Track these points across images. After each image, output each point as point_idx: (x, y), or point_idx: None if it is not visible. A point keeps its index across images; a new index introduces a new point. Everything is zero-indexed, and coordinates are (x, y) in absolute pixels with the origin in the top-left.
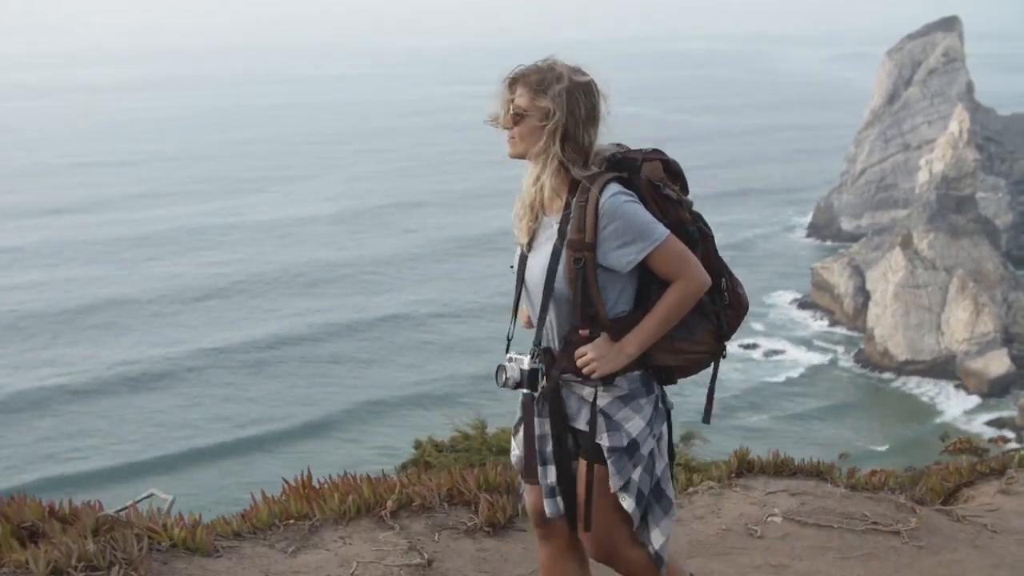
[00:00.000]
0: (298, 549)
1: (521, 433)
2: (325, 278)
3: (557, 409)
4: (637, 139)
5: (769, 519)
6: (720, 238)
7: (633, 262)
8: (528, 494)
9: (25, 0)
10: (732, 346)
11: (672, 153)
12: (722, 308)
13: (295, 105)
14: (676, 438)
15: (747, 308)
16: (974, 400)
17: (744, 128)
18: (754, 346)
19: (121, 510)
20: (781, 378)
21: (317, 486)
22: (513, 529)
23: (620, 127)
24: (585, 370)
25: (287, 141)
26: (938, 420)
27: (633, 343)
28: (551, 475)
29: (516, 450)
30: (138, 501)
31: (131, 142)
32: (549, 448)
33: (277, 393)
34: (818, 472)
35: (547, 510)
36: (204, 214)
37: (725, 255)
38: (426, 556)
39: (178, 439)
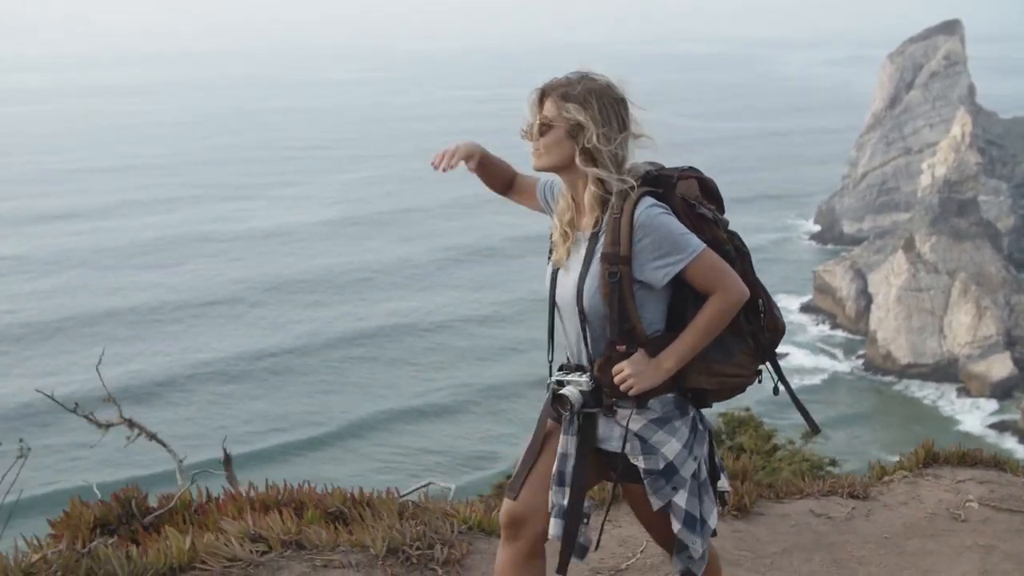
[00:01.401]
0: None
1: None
2: (326, 285)
3: (590, 430)
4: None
5: (967, 504)
6: None
7: (669, 275)
8: (507, 498)
9: (26, 1)
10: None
11: (672, 158)
12: (759, 329)
13: (295, 109)
14: (797, 441)
15: (784, 331)
16: (992, 406)
17: (744, 132)
18: None
19: (406, 494)
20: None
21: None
22: (755, 513)
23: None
24: (623, 387)
25: (287, 146)
26: (958, 428)
27: (671, 357)
28: (564, 497)
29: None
30: (422, 487)
31: (129, 147)
32: (570, 469)
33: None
34: (997, 463)
35: (552, 530)
36: (202, 220)
37: None
38: None
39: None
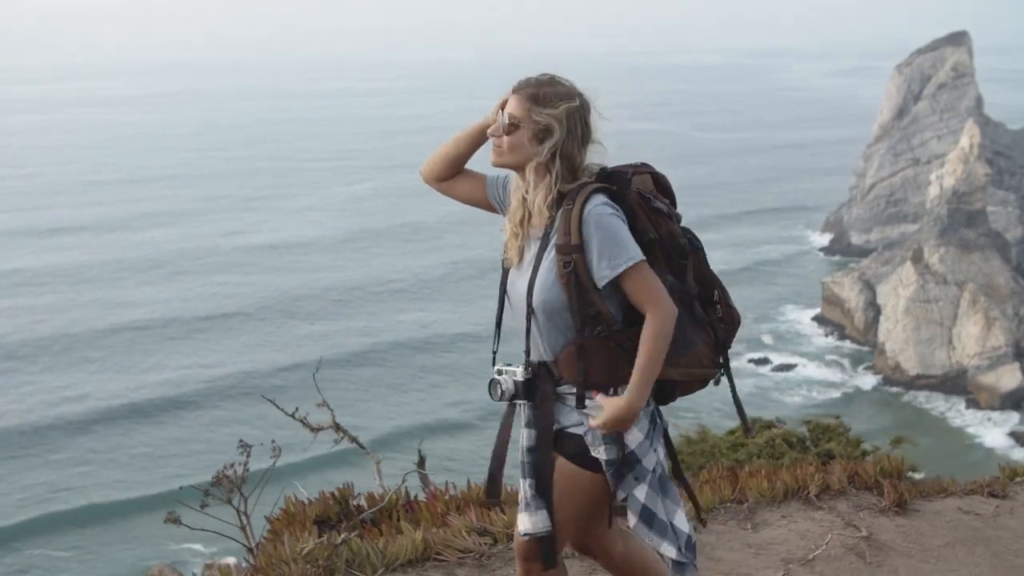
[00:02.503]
0: (756, 526)
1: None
2: (337, 299)
3: (547, 421)
4: (643, 156)
5: None
6: (729, 255)
7: (606, 278)
8: (521, 520)
9: (44, 11)
10: (741, 361)
11: (679, 170)
12: (716, 320)
13: (303, 120)
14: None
15: (739, 323)
16: (1011, 417)
17: (750, 143)
18: (765, 361)
19: None
20: (796, 397)
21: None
22: (911, 509)
23: (627, 143)
24: (603, 432)
25: (295, 158)
26: (977, 440)
27: (636, 394)
28: (529, 488)
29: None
30: None
31: (136, 159)
32: (532, 460)
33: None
34: None
35: (522, 526)
36: (212, 235)
37: (735, 272)
38: (864, 530)
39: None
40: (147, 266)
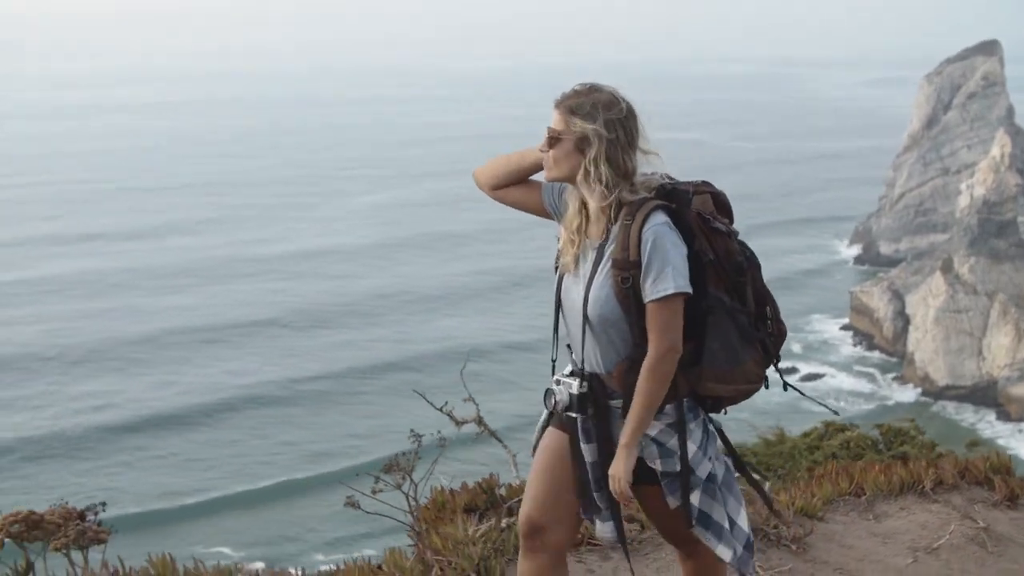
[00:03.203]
0: (877, 517)
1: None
2: (366, 309)
3: (607, 435)
4: (674, 166)
5: None
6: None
7: (647, 298)
8: (525, 505)
9: (80, 19)
10: (770, 370)
11: (707, 178)
12: (766, 336)
13: (335, 128)
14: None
15: (786, 336)
16: None
17: (779, 152)
18: (794, 370)
19: None
20: (822, 407)
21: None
22: (1022, 504)
23: (659, 153)
24: (618, 487)
25: (325, 166)
26: (1015, 453)
27: (633, 436)
28: (606, 499)
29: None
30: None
31: (171, 166)
32: (597, 475)
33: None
34: None
35: (601, 532)
36: (243, 242)
37: (766, 280)
38: (981, 522)
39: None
40: (178, 273)
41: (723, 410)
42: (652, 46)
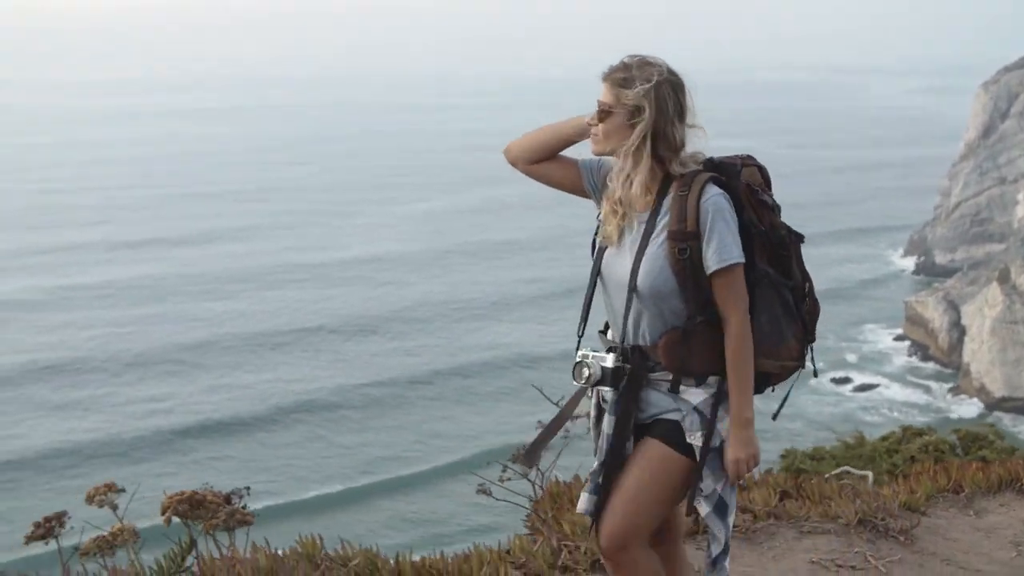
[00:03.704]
0: (978, 512)
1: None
2: (414, 316)
3: (627, 412)
4: None
5: None
6: (811, 273)
7: (710, 268)
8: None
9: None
10: (823, 380)
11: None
12: (805, 312)
13: (383, 135)
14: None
15: (819, 312)
16: None
17: (834, 162)
18: (847, 380)
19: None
20: (877, 416)
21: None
22: None
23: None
24: (745, 469)
25: (376, 173)
26: None
27: (746, 407)
28: (600, 475)
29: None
30: (837, 472)
31: (222, 173)
32: (606, 447)
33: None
34: None
35: (581, 505)
36: (292, 249)
37: (819, 291)
38: None
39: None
40: (228, 280)
41: (771, 388)
42: (701, 53)
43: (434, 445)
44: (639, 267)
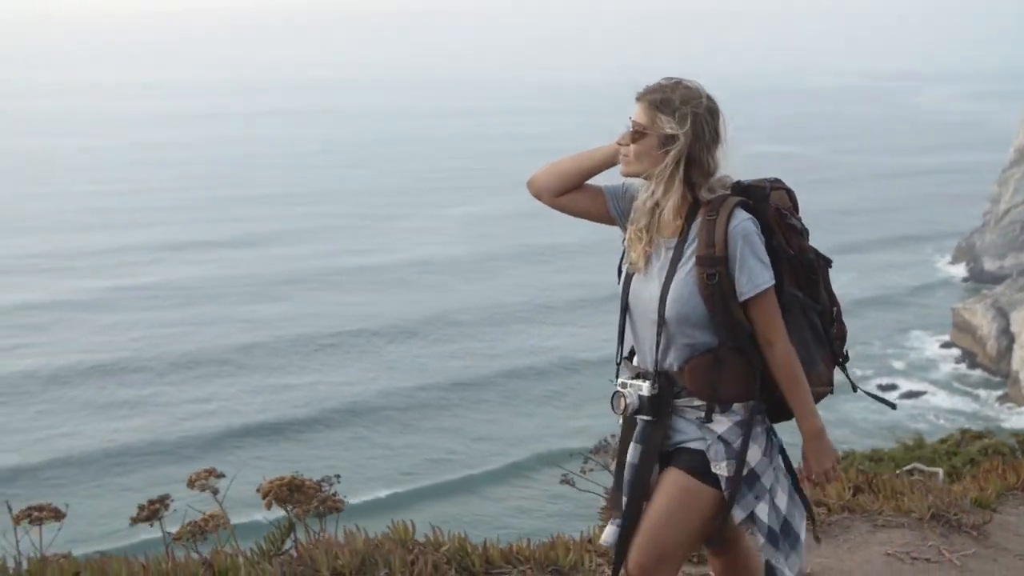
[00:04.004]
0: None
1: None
2: (458, 321)
3: (654, 442)
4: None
5: None
6: (858, 279)
7: (744, 295)
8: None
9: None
10: (869, 386)
11: (811, 195)
12: (834, 337)
13: (430, 139)
14: None
15: (846, 336)
16: None
17: (881, 168)
18: (893, 387)
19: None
20: (923, 424)
21: None
22: None
23: (760, 166)
24: (825, 478)
25: (422, 177)
26: None
27: (815, 420)
28: (622, 504)
29: (608, 536)
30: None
31: (271, 175)
32: (631, 477)
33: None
34: None
35: (606, 538)
36: (340, 253)
37: (864, 297)
38: None
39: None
40: (276, 283)
41: (791, 416)
42: (751, 58)
43: (479, 449)
44: (667, 294)
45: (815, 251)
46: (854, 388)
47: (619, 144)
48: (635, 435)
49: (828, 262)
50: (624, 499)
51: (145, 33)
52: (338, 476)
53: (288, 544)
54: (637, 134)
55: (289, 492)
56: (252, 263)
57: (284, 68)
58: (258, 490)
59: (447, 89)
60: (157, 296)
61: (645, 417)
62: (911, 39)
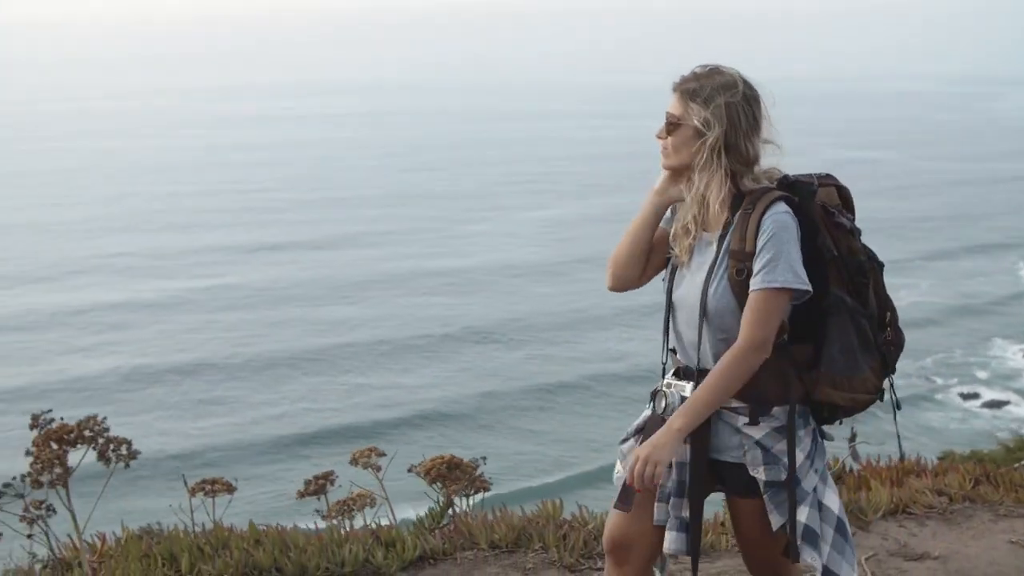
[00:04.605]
0: None
1: (628, 452)
2: (536, 325)
3: (703, 438)
4: (855, 186)
5: None
6: (940, 287)
7: (754, 288)
8: (613, 517)
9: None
10: (950, 394)
11: (893, 202)
12: (884, 343)
13: (507, 142)
14: None
15: (904, 344)
16: None
17: (965, 175)
18: (975, 396)
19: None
20: (1005, 433)
21: None
22: None
23: (840, 172)
24: (639, 472)
25: (499, 181)
26: None
27: (681, 416)
28: (683, 508)
29: (621, 472)
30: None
31: (347, 177)
32: (685, 479)
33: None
34: None
35: (670, 545)
36: (416, 256)
37: (946, 305)
38: None
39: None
40: (351, 285)
41: (838, 421)
42: (830, 61)
43: (558, 455)
44: (708, 288)
45: (868, 252)
46: (897, 406)
47: (657, 138)
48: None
49: (880, 264)
50: (683, 501)
51: (232, 37)
52: (484, 458)
53: (446, 519)
54: (672, 126)
55: (448, 470)
56: (332, 265)
57: (361, 70)
58: (410, 468)
59: (522, 92)
60: (239, 298)
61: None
62: (992, 45)
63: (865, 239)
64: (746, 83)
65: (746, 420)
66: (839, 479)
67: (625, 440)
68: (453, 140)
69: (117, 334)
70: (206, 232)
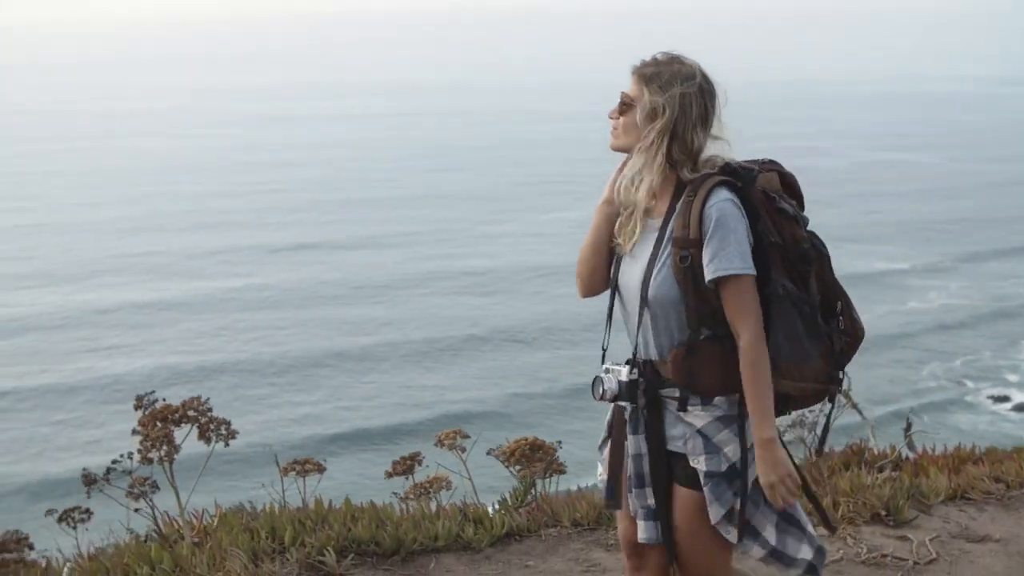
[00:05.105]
0: None
1: (606, 453)
2: (562, 327)
3: (657, 426)
4: (886, 188)
5: None
6: (972, 290)
7: (709, 278)
8: (620, 520)
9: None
10: (979, 397)
11: (925, 204)
12: (835, 331)
13: (537, 143)
14: None
15: (863, 335)
16: None
17: (996, 176)
18: (1006, 398)
19: None
20: None
21: None
22: None
23: (870, 175)
24: (783, 499)
25: (527, 182)
26: None
27: (764, 426)
28: (649, 497)
29: (603, 472)
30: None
31: (374, 177)
32: (647, 468)
33: None
34: None
35: (642, 534)
36: (442, 257)
37: (977, 308)
38: None
39: None
40: (380, 286)
41: (788, 411)
42: (864, 62)
43: (588, 457)
44: (650, 276)
45: (813, 239)
46: (845, 395)
47: (609, 117)
48: (629, 428)
49: (826, 254)
50: (646, 491)
51: (249, 38)
52: (559, 442)
53: (530, 497)
54: (624, 106)
55: (531, 451)
56: (360, 266)
57: (388, 71)
58: (489, 451)
59: (547, 93)
60: (267, 298)
61: (623, 404)
62: (1010, 44)
63: (896, 240)
64: (704, 76)
65: (691, 407)
66: (896, 467)
67: (602, 445)
68: (478, 141)
69: (145, 333)
70: (239, 232)
